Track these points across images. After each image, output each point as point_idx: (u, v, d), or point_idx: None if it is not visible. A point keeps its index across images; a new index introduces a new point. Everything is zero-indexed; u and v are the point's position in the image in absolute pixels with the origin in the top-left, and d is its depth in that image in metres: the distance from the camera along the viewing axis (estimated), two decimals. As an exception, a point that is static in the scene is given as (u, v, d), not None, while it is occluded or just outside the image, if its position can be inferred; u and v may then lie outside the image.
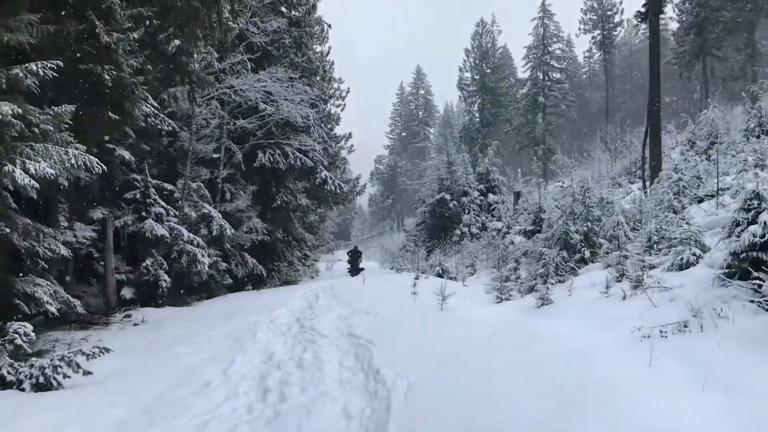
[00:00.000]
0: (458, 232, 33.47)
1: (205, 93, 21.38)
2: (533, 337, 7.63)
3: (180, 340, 10.27)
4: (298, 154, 24.96)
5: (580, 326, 8.61)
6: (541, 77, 63.14)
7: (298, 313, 12.70)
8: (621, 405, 4.94)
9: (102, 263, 17.49)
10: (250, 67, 22.99)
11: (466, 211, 34.58)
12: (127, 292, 17.33)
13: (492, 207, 33.49)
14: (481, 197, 35.43)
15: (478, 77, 64.04)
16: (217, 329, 11.22)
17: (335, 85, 37.97)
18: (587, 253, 14.92)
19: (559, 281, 13.71)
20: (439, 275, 20.94)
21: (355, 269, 28.23)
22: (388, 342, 8.24)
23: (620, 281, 11.38)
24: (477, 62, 64.32)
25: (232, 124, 23.46)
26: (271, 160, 24.06)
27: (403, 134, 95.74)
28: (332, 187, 27.10)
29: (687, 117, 29.28)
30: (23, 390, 6.98)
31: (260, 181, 25.49)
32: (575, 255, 14.64)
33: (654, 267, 11.60)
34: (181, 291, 19.40)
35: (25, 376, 7.08)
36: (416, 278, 18.03)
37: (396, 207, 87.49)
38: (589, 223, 15.34)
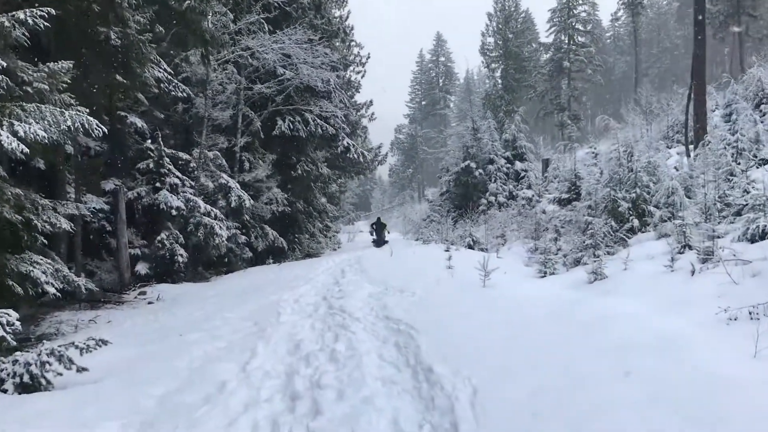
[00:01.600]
0: (484, 201, 32.16)
1: (219, 56, 20.23)
2: (600, 321, 6.50)
3: (194, 324, 9.26)
4: (318, 120, 23.75)
5: (650, 307, 7.46)
6: (566, 41, 61.05)
7: (323, 290, 11.59)
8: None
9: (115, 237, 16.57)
10: (267, 29, 21.74)
11: (493, 180, 33.20)
12: (141, 268, 16.42)
13: (521, 175, 32.13)
14: (508, 165, 33.99)
15: (501, 42, 61.92)
16: (236, 310, 10.17)
17: (355, 51, 36.57)
18: (636, 222, 13.70)
19: (608, 253, 12.53)
20: (470, 246, 19.82)
21: (379, 241, 27.14)
22: (432, 327, 7.10)
23: (682, 253, 10.18)
24: (500, 26, 62.11)
25: (249, 89, 22.28)
26: (291, 127, 22.90)
27: (423, 103, 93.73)
28: (354, 155, 25.91)
29: (728, 77, 27.60)
30: (5, 391, 5.86)
31: (280, 150, 24.37)
32: (624, 224, 13.41)
33: (719, 237, 10.38)
34: (199, 266, 18.51)
35: (8, 375, 5.99)
36: (446, 250, 16.93)
37: (417, 177, 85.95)
38: (638, 190, 14.07)
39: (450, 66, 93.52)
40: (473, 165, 33.80)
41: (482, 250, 19.69)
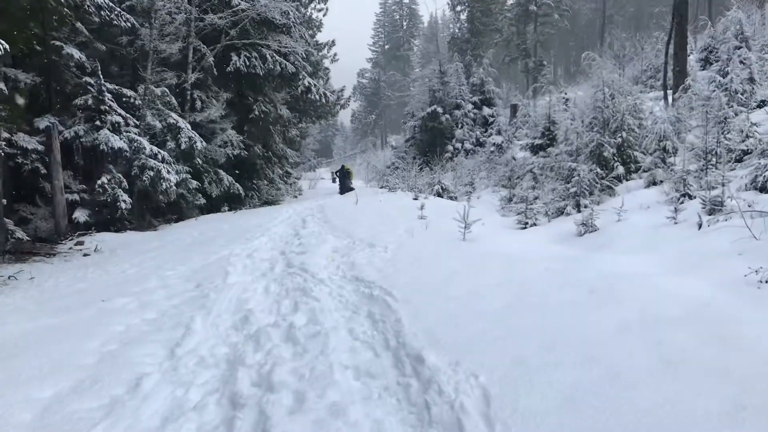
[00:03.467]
0: (451, 148, 31.09)
1: (167, -19, 18.28)
2: (608, 283, 5.43)
3: (125, 284, 7.79)
4: (277, 57, 21.96)
5: (658, 265, 6.45)
6: (533, -17, 59.32)
7: (282, 243, 10.22)
8: None
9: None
10: (220, -47, 19.79)
11: (460, 126, 32.04)
12: (80, 215, 14.83)
13: (489, 121, 31.00)
14: (476, 110, 32.81)
15: (468, -18, 59.90)
16: (178, 267, 8.70)
17: (316, -15, 34.47)
18: (621, 170, 12.69)
19: (593, 202, 11.51)
20: (439, 195, 18.71)
21: (344, 188, 25.88)
22: (413, 293, 5.89)
23: (681, 203, 9.18)
24: (467, -34, 59.96)
25: (200, 20, 20.32)
26: (247, 63, 21.09)
27: (387, 47, 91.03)
28: (317, 96, 24.21)
29: (706, 19, 26.57)
30: None
31: (235, 89, 22.56)
32: (611, 172, 12.38)
33: (721, 185, 9.41)
34: (146, 213, 16.97)
35: None
36: (416, 198, 15.77)
37: (379, 123, 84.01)
38: (624, 134, 13.02)
39: (414, 8, 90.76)
40: (440, 110, 32.52)
41: (451, 198, 18.63)
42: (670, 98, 19.74)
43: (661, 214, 8.79)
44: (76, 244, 13.11)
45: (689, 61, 22.15)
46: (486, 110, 32.53)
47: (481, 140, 30.82)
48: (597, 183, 11.93)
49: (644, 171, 12.17)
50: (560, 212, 11.77)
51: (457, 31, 61.25)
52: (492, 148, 25.50)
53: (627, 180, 12.65)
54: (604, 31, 59.59)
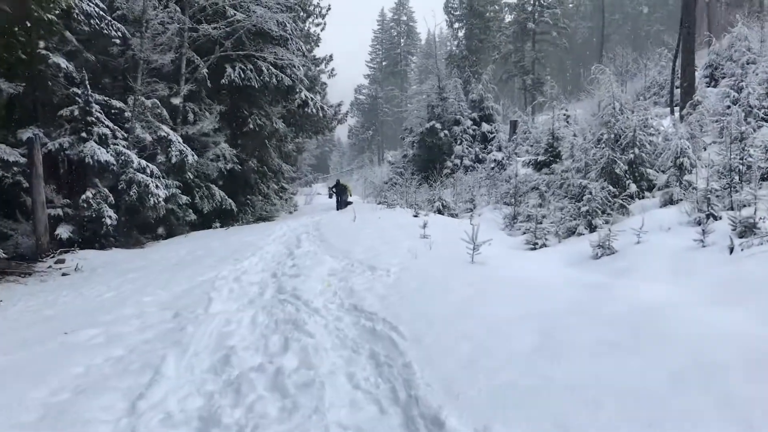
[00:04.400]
0: (450, 164, 30.50)
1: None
2: (646, 318, 4.72)
3: (97, 312, 6.99)
4: (273, 70, 21.31)
5: (697, 295, 5.74)
6: (531, 1, 59.15)
7: (274, 264, 9.46)
8: None
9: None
10: (215, -37, 19.21)
11: (458, 142, 31.48)
12: (63, 231, 14.06)
13: (490, 137, 30.45)
14: (475, 127, 32.26)
15: (465, 1, 59.73)
16: (159, 292, 7.91)
17: (315, 0, 33.90)
18: (633, 187, 12.02)
19: (606, 222, 10.83)
20: (439, 212, 18.03)
21: (341, 203, 25.29)
22: (422, 328, 5.08)
23: (702, 223, 8.47)
24: (464, -16, 59.81)
25: (194, 30, 19.67)
26: (242, 75, 20.43)
27: (384, 63, 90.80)
28: (314, 110, 23.53)
29: (709, 35, 26.07)
30: None
31: (230, 101, 21.88)
32: (624, 190, 11.71)
33: (746, 206, 8.75)
34: (133, 229, 16.21)
35: None
36: (416, 215, 15.08)
37: (376, 139, 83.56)
38: (636, 150, 12.37)
39: (412, 25, 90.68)
40: (438, 126, 31.99)
41: (452, 215, 17.97)
42: (677, 114, 19.15)
43: (685, 236, 8.11)
44: (56, 263, 12.34)
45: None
46: (485, 126, 31.98)
47: (480, 156, 30.25)
48: (610, 202, 11.25)
49: (658, 189, 11.51)
50: (571, 232, 11.08)
51: (454, 48, 61.11)
52: (492, 165, 24.89)
53: (639, 198, 11.99)
54: (603, 49, 59.40)
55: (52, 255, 13.20)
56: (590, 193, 10.98)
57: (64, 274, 11.10)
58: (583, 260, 8.72)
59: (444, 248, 9.20)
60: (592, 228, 10.76)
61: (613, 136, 12.85)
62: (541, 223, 11.09)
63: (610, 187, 11.58)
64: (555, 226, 11.30)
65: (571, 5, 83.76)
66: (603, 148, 12.45)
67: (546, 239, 10.70)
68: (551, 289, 6.14)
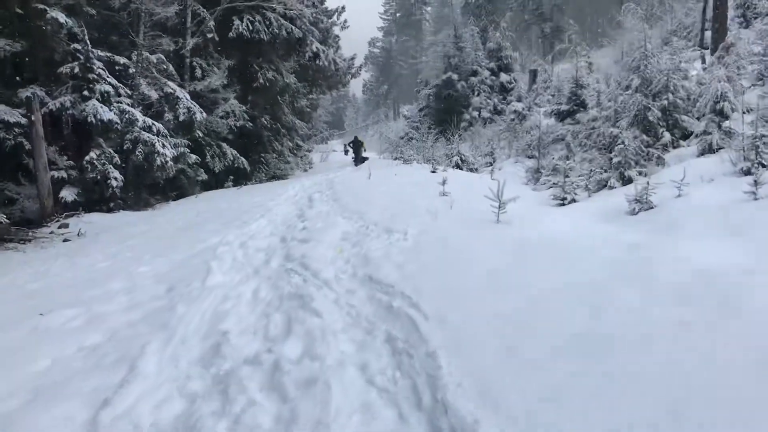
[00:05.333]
0: (467, 116, 29.55)
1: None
2: (713, 286, 4.04)
3: (85, 285, 6.43)
4: (282, 21, 20.43)
5: (764, 256, 4.99)
6: (550, -55, 57.00)
7: (283, 227, 8.81)
8: None
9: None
10: None
11: (476, 93, 30.46)
12: (68, 194, 13.57)
13: (509, 88, 29.42)
14: (493, 77, 31.17)
15: (482, -54, 57.62)
16: (156, 260, 7.33)
17: (325, -53, 32.55)
18: (667, 136, 11.22)
19: (639, 173, 10.08)
20: (458, 166, 17.29)
21: (358, 159, 24.70)
22: (447, 305, 4.29)
23: (753, 173, 7.69)
24: (481, -73, 57.59)
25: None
26: (250, 27, 19.60)
27: (398, 14, 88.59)
28: (325, 62, 22.70)
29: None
30: None
31: (238, 56, 21.06)
32: (659, 139, 10.92)
33: (797, 154, 7.99)
34: (142, 190, 15.67)
35: None
36: (434, 171, 14.39)
37: (392, 93, 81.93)
38: (670, 95, 11.51)
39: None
40: (455, 77, 30.98)
41: (471, 170, 17.22)
42: (710, 57, 18.12)
43: (732, 188, 7.36)
44: (59, 227, 11.87)
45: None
46: (504, 76, 30.89)
47: (499, 108, 29.26)
48: (643, 152, 10.47)
49: (695, 137, 10.69)
50: (602, 186, 10.35)
51: (471, -3, 59.31)
52: (512, 116, 23.93)
53: (674, 147, 11.20)
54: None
55: (57, 219, 12.74)
56: (622, 142, 10.20)
57: (65, 240, 10.62)
58: (618, 216, 8.02)
59: (465, 206, 8.51)
60: (624, 180, 10.02)
61: (643, 81, 12.00)
62: (568, 176, 10.36)
63: (643, 136, 10.80)
64: (584, 180, 10.56)
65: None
66: (634, 94, 11.60)
67: (575, 194, 9.99)
68: (590, 251, 5.47)
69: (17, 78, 15.10)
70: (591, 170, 10.85)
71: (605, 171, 10.55)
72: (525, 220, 7.56)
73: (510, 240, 6.11)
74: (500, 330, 3.67)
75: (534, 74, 28.69)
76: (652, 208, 7.80)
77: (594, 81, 18.36)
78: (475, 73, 31.05)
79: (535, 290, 4.34)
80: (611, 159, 10.46)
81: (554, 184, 10.95)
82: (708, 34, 19.96)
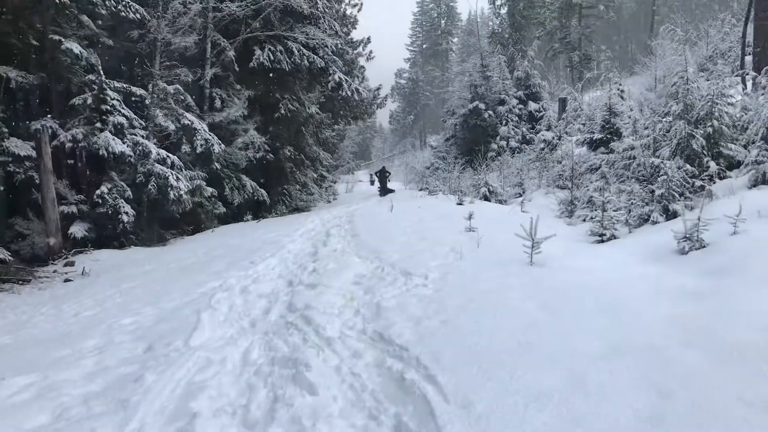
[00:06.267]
0: (495, 146, 28.83)
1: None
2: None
3: (57, 341, 5.66)
4: (305, 51, 19.99)
5: None
6: (576, -26, 56.52)
7: (294, 267, 8.08)
8: None
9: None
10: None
11: (504, 122, 29.78)
12: (78, 230, 13.05)
13: (538, 117, 28.67)
14: (521, 106, 30.50)
15: (507, -24, 57.40)
16: (146, 308, 6.59)
17: (350, -23, 32.32)
18: (713, 166, 10.31)
19: (686, 207, 9.19)
20: (486, 198, 16.51)
21: (383, 190, 24.23)
22: (472, 380, 3.48)
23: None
24: (507, -41, 57.43)
25: (218, 10, 18.45)
26: (271, 57, 19.17)
27: (425, 46, 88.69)
28: (348, 92, 22.15)
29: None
30: None
31: (259, 86, 20.64)
32: (705, 169, 10.03)
33: None
34: (157, 224, 15.11)
35: None
36: (460, 203, 13.62)
37: (418, 123, 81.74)
38: (715, 122, 10.63)
39: (452, 6, 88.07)
40: (482, 106, 30.34)
41: (500, 202, 16.41)
42: (749, 83, 17.18)
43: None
44: (65, 265, 11.30)
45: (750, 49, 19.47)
46: (532, 105, 30.20)
47: (528, 137, 28.52)
48: (689, 183, 9.58)
49: (745, 167, 9.77)
50: (644, 220, 9.46)
51: (497, 26, 58.89)
52: (541, 145, 23.12)
53: (721, 179, 10.28)
54: (653, 21, 56.42)
55: (65, 256, 12.19)
56: (665, 173, 9.33)
57: (66, 281, 10.01)
58: (666, 256, 7.13)
59: (493, 244, 7.71)
60: (669, 215, 9.14)
61: (684, 107, 11.14)
62: (606, 210, 9.49)
63: (687, 166, 9.92)
64: (623, 214, 9.68)
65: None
66: (675, 121, 10.75)
67: (615, 229, 9.11)
68: (642, 301, 4.63)
69: (30, 110, 14.79)
70: (631, 202, 9.96)
71: (646, 204, 9.67)
72: (562, 261, 6.72)
73: (547, 286, 5.29)
74: (540, 420, 2.83)
75: (563, 103, 27.90)
76: (704, 246, 6.92)
77: (628, 108, 17.53)
78: (502, 102, 30.43)
79: (580, 358, 3.51)
80: (653, 191, 9.58)
81: (591, 218, 10.09)
82: (748, 59, 19.05)
